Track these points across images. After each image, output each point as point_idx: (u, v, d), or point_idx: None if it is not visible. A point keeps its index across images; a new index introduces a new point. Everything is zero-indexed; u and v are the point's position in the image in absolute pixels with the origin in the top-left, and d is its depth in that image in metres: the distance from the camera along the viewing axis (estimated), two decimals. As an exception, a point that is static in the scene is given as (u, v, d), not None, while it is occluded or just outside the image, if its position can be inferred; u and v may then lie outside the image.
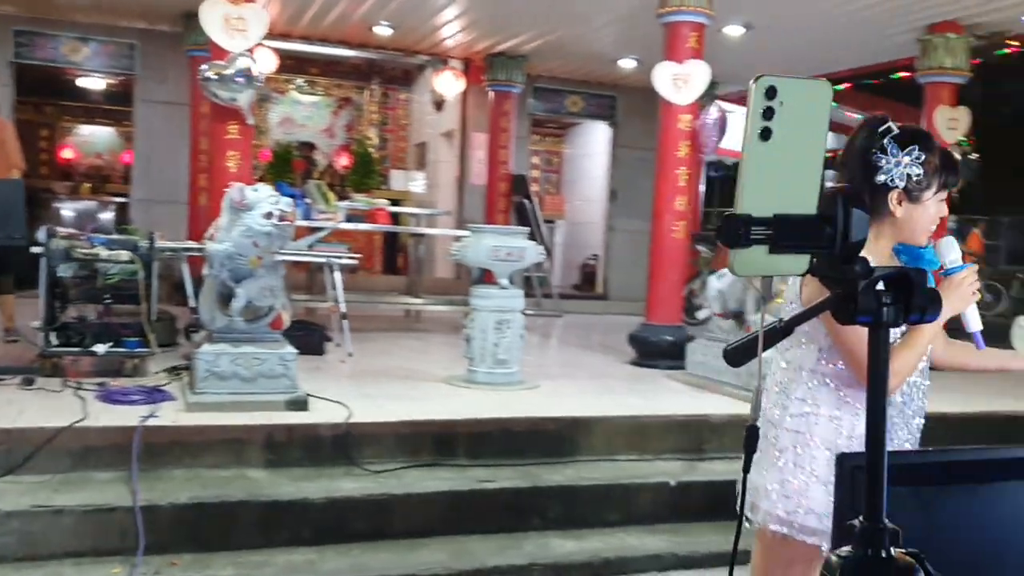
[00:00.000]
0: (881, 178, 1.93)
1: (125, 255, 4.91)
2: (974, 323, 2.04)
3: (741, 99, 10.85)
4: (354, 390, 4.97)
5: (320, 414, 4.35)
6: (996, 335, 2.24)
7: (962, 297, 1.97)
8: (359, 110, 13.86)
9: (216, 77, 5.34)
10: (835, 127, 11.75)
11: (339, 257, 6.41)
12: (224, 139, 5.52)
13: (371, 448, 4.24)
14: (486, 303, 5.30)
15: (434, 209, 11.04)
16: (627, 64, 10.38)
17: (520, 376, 5.42)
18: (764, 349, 1.25)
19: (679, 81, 6.47)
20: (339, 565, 3.59)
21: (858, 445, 1.96)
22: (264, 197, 4.22)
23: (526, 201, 10.99)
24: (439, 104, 12.28)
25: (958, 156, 2.04)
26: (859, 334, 1.92)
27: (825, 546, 1.98)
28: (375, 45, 10.34)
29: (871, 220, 1.99)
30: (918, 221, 1.99)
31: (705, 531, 4.20)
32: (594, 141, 13.55)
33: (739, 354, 1.34)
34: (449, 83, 10.96)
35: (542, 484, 4.17)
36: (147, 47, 9.64)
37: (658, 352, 6.50)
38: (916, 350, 1.95)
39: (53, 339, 4.81)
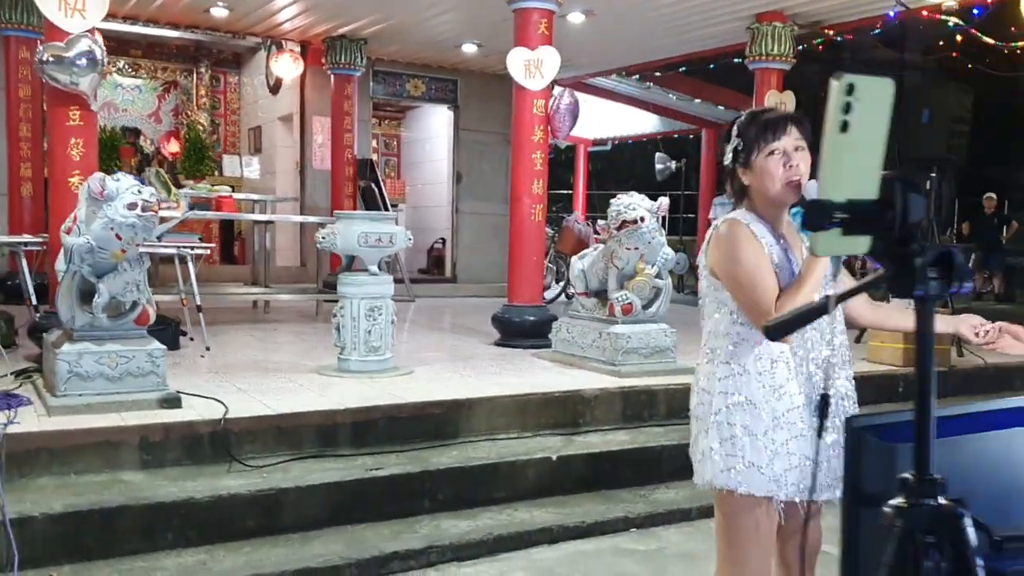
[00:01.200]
0: (725, 162, 2.31)
1: (-38, 252, 4.52)
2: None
3: (577, 84, 11.19)
4: (224, 385, 4.82)
5: (194, 411, 4.19)
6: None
7: None
8: (187, 94, 13.25)
9: (53, 60, 4.97)
10: (663, 111, 12.32)
11: (191, 248, 6.14)
12: (65, 126, 5.12)
13: (251, 444, 4.13)
14: (356, 290, 5.24)
15: (272, 195, 10.75)
16: (469, 48, 10.46)
17: (393, 362, 5.41)
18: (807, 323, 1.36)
19: (531, 67, 6.60)
20: (233, 564, 3.49)
21: (782, 396, 2.19)
22: (126, 187, 4.00)
23: (373, 185, 10.89)
24: (275, 88, 11.92)
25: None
26: (746, 281, 2.18)
27: (771, 494, 2.18)
28: (207, 26, 9.92)
29: (742, 197, 2.28)
30: (761, 178, 2.23)
31: (586, 501, 4.39)
32: (434, 124, 13.57)
33: (784, 328, 1.45)
34: (287, 66, 10.67)
35: (431, 468, 4.19)
36: (-50, 26, 8.78)
37: (521, 332, 6.65)
38: (804, 290, 2.13)
39: None
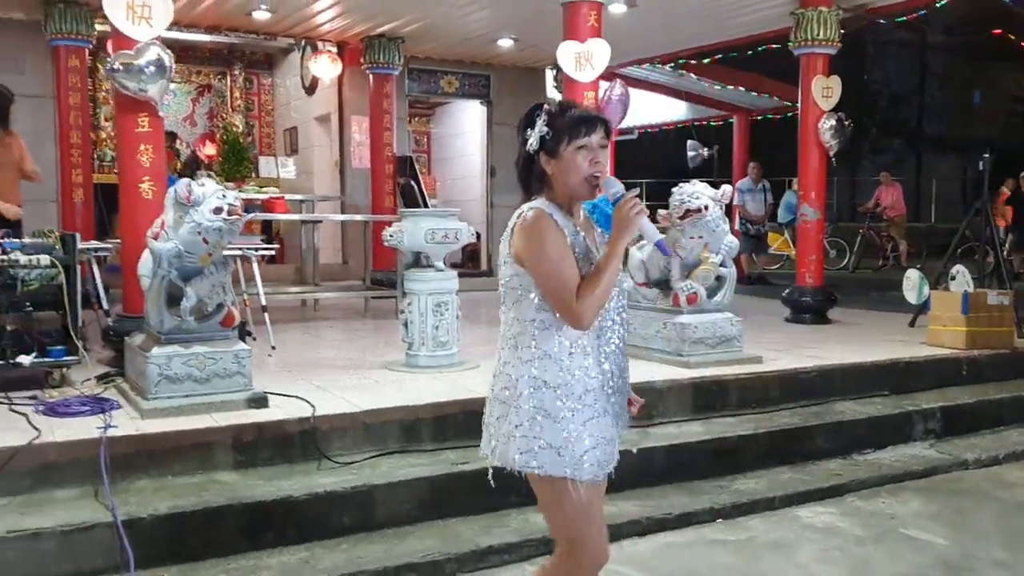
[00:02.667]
0: (530, 147, 2.36)
1: (45, 259, 4.60)
2: (652, 234, 2.37)
3: (609, 74, 11.16)
4: (301, 383, 4.87)
5: (281, 410, 4.25)
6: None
7: (627, 218, 2.27)
8: (221, 96, 13.32)
9: (123, 68, 5.03)
10: (696, 98, 12.28)
11: (256, 249, 6.21)
12: (135, 132, 5.19)
13: (340, 441, 4.20)
14: (424, 286, 5.29)
15: (313, 195, 10.81)
16: (505, 43, 10.47)
17: (459, 357, 5.45)
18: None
19: (582, 59, 6.61)
20: (334, 561, 3.54)
21: (580, 379, 2.33)
22: (212, 192, 4.06)
23: (412, 182, 10.93)
24: (311, 88, 11.98)
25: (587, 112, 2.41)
26: (549, 272, 2.26)
27: (569, 473, 2.32)
28: (247, 29, 9.96)
29: (540, 184, 2.36)
30: (567, 170, 2.32)
31: (669, 492, 4.41)
32: (466, 120, 13.59)
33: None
34: (326, 67, 10.70)
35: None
36: (1, 37, 8.91)
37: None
38: (604, 280, 2.27)
39: (-29, 354, 4.46)
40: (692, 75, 12.40)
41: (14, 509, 3.43)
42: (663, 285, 5.82)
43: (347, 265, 11.40)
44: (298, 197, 9.55)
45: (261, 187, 8.81)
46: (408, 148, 12.31)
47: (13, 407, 4.18)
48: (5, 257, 4.52)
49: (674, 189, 5.55)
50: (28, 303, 4.58)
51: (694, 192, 5.40)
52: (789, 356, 5.91)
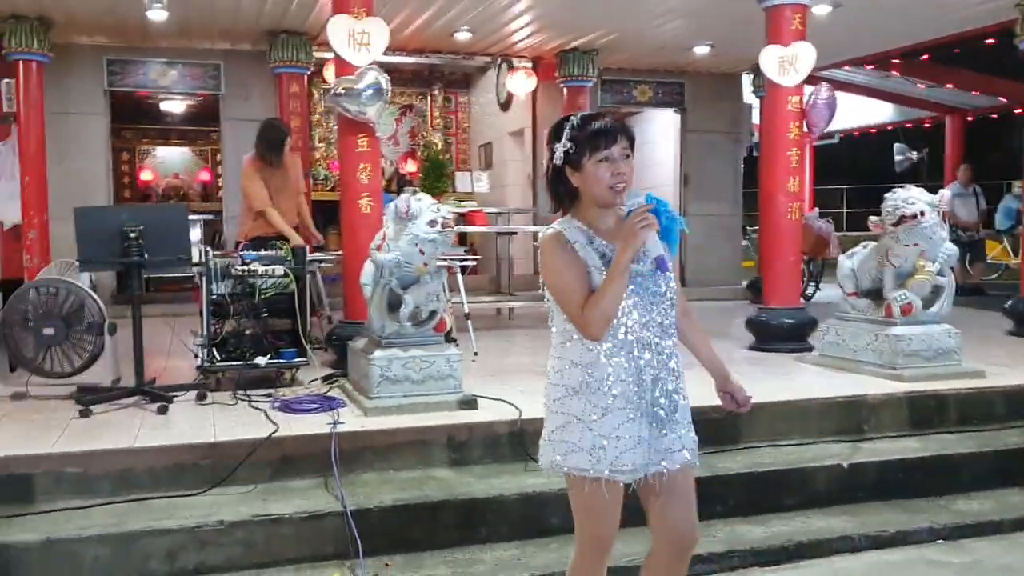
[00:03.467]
0: (556, 162, 2.42)
1: (279, 270, 5.04)
2: (653, 249, 2.40)
3: (810, 78, 10.81)
4: (506, 387, 5.04)
5: (490, 412, 4.43)
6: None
7: (631, 231, 2.30)
8: (422, 116, 13.98)
9: (345, 92, 5.44)
10: (903, 100, 11.64)
11: (460, 260, 6.49)
12: (355, 152, 5.60)
13: (545, 444, 4.31)
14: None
15: (507, 207, 11.13)
16: (700, 51, 10.38)
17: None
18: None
19: (786, 63, 6.47)
20: (546, 560, 3.65)
21: (610, 385, 2.39)
22: (427, 206, 4.31)
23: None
24: (506, 104, 12.35)
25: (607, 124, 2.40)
26: (558, 287, 2.39)
27: (604, 475, 2.40)
28: (449, 50, 10.42)
29: (575, 194, 2.42)
30: (591, 182, 2.38)
31: (882, 509, 4.25)
32: (656, 128, 13.52)
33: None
34: (521, 82, 11.01)
35: (719, 472, 4.20)
36: (231, 66, 9.80)
37: (779, 335, 6.51)
38: (608, 294, 2.32)
39: (216, 354, 4.95)
40: (898, 75, 11.79)
41: (258, 496, 3.78)
42: (874, 295, 5.59)
43: (538, 275, 11.63)
44: (494, 210, 9.87)
45: (460, 201, 9.18)
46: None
47: (252, 404, 4.60)
48: (245, 268, 4.99)
49: (887, 195, 5.32)
50: (264, 309, 5.03)
51: (909, 197, 5.16)
52: (1016, 371, 5.52)
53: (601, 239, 2.41)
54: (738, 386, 2.69)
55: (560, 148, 2.41)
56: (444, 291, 4.69)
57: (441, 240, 4.34)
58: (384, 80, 5.48)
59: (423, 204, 4.33)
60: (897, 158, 13.18)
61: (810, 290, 10.93)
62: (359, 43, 5.52)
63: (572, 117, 2.44)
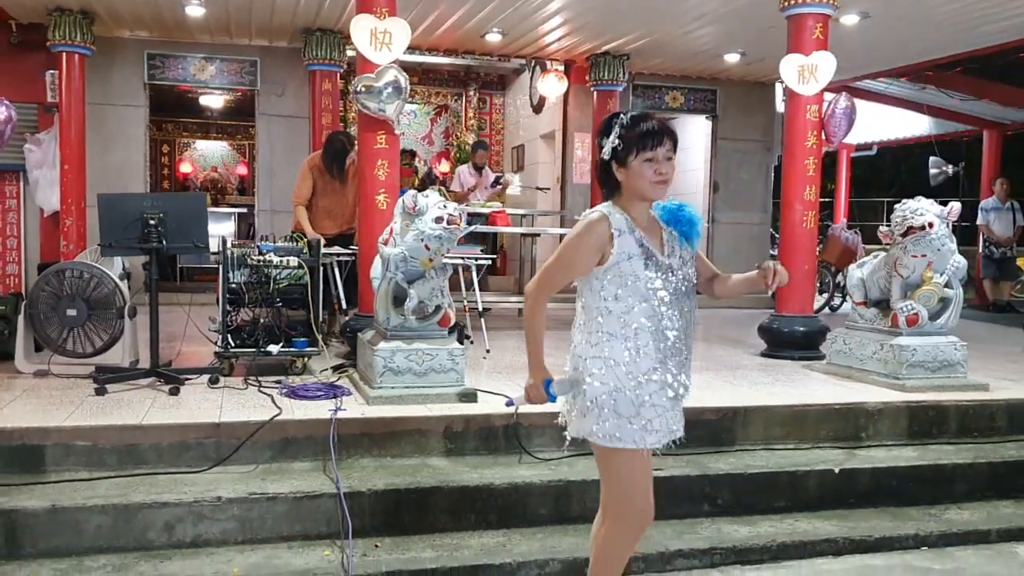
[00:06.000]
0: (604, 156, 2.62)
1: (293, 261, 5.20)
2: (519, 400, 2.76)
3: (842, 87, 10.77)
4: (510, 383, 5.15)
5: (489, 405, 4.54)
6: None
7: (530, 394, 2.75)
8: (456, 116, 14.13)
9: (365, 90, 5.59)
10: (939, 112, 11.53)
11: (475, 259, 6.61)
12: (373, 149, 5.75)
13: (540, 438, 4.41)
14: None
15: (532, 209, 11.24)
16: (731, 58, 10.40)
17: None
18: None
19: (805, 72, 6.50)
20: (529, 548, 3.76)
21: (643, 358, 2.60)
22: (434, 203, 4.43)
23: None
24: (538, 107, 12.45)
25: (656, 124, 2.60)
26: (564, 255, 2.63)
27: (637, 443, 2.63)
28: (480, 51, 10.56)
29: (618, 187, 2.64)
30: (634, 179, 2.58)
31: (871, 516, 4.28)
32: (688, 135, 13.50)
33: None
34: (552, 85, 11.12)
35: (709, 472, 4.28)
36: (267, 63, 10.05)
37: (791, 343, 6.55)
38: (531, 348, 2.76)
39: (231, 340, 5.12)
40: (934, 87, 11.68)
41: (257, 476, 3.93)
42: (882, 305, 5.61)
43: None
44: (520, 211, 9.98)
45: (489, 203, 9.30)
46: (629, 164, 12.45)
47: (262, 389, 4.76)
48: (261, 258, 5.16)
49: (896, 206, 5.35)
50: (278, 299, 5.19)
51: (917, 209, 5.18)
52: (1021, 386, 5.50)
53: (639, 230, 2.62)
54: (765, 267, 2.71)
55: (609, 143, 2.59)
56: (471, 287, 4.79)
57: (447, 237, 4.45)
58: (403, 79, 5.62)
59: (430, 200, 4.46)
60: (932, 171, 13.02)
61: (836, 301, 10.88)
62: (381, 42, 5.67)
63: (622, 115, 2.62)
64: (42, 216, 9.36)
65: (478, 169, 10.39)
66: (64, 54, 8.43)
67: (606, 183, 2.68)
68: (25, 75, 8.95)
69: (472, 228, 6.91)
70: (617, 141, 2.56)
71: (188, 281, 10.84)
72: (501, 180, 10.48)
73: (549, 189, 10.83)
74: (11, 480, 3.69)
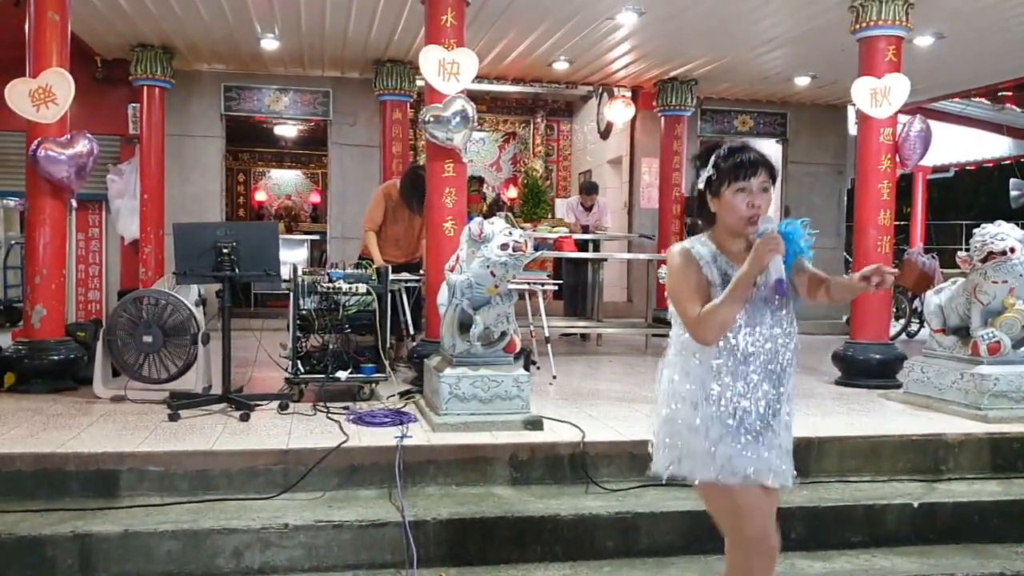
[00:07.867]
0: (699, 186, 2.56)
1: (362, 288, 5.26)
2: (775, 272, 2.40)
3: (916, 109, 10.52)
4: (576, 411, 5.12)
5: (555, 434, 4.51)
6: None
7: (758, 253, 2.38)
8: (524, 143, 14.22)
9: (433, 119, 5.66)
10: (1016, 132, 11.16)
11: (541, 284, 6.60)
12: (441, 177, 5.81)
13: (607, 467, 4.36)
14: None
15: (599, 234, 11.19)
16: (801, 81, 10.25)
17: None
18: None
19: (878, 95, 6.36)
20: (600, 580, 3.71)
21: (718, 394, 2.51)
22: (500, 230, 4.44)
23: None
24: (606, 133, 12.45)
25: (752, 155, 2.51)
26: (677, 289, 2.53)
27: (714, 478, 2.52)
28: (548, 79, 10.61)
29: (712, 218, 2.56)
30: (726, 210, 2.51)
31: (953, 552, 4.11)
32: (759, 160, 13.37)
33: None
34: (620, 111, 11.12)
35: (782, 505, 4.14)
36: (339, 94, 10.27)
37: (866, 371, 6.37)
38: (725, 303, 2.41)
39: (300, 367, 5.20)
40: (1015, 107, 11.32)
41: (324, 503, 3.96)
42: (961, 332, 5.41)
43: (631, 303, 11.65)
44: (587, 237, 9.96)
45: (553, 227, 9.30)
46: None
47: (330, 415, 4.81)
48: (331, 285, 5.23)
49: (976, 230, 5.17)
50: (347, 326, 5.26)
51: (998, 233, 5.00)
52: (1115, 418, 5.24)
53: (726, 258, 2.54)
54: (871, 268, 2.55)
55: (704, 173, 2.55)
56: (514, 314, 4.78)
57: (512, 263, 4.45)
58: (471, 108, 5.67)
59: (496, 227, 4.47)
60: (1013, 193, 12.63)
61: (913, 327, 10.56)
62: (449, 72, 5.74)
63: (722, 145, 2.57)
64: (123, 244, 9.69)
65: (587, 209, 10.41)
66: (145, 87, 8.76)
67: (701, 215, 2.61)
68: (108, 108, 9.32)
69: (539, 255, 6.93)
70: (712, 171, 2.51)
71: (262, 307, 11.08)
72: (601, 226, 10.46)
73: (654, 237, 10.77)
74: (86, 504, 3.79)
